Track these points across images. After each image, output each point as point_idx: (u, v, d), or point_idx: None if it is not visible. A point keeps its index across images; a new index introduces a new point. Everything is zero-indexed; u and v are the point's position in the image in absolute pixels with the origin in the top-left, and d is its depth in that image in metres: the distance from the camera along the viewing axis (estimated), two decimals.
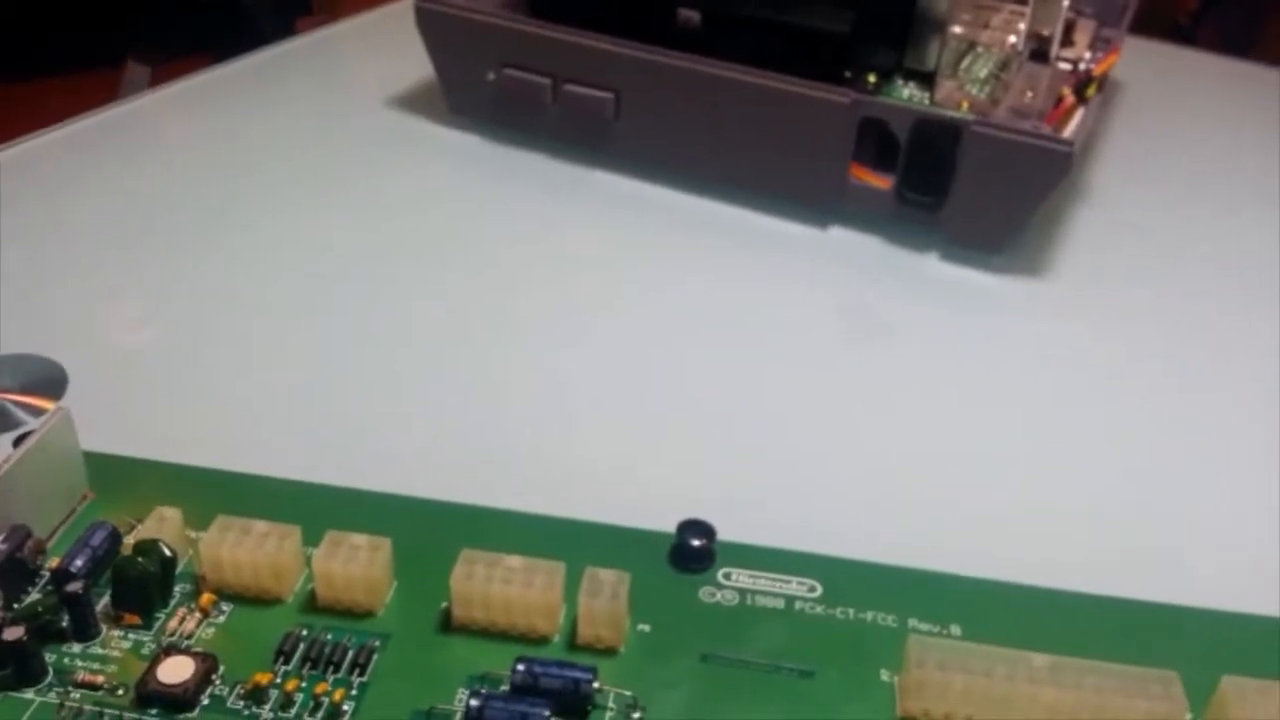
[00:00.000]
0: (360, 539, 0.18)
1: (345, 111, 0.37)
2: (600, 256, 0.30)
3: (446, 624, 0.18)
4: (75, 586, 0.17)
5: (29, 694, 0.17)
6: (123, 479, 0.20)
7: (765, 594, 0.19)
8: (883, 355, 0.27)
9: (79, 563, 0.18)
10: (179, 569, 0.18)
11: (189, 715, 0.16)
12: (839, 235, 0.32)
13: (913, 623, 0.18)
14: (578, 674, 0.17)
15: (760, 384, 0.26)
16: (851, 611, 0.19)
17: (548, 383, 0.25)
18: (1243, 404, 0.26)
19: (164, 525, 0.19)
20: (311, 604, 0.18)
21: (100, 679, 0.17)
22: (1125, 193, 0.35)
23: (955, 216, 0.30)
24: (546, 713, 0.16)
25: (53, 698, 0.17)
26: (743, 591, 0.19)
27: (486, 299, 0.28)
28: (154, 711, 0.16)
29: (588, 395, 0.25)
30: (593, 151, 0.34)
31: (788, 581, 0.19)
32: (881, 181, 0.31)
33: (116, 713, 0.16)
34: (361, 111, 0.37)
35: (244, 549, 0.18)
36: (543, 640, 0.18)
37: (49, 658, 0.17)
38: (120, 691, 0.17)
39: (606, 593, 0.18)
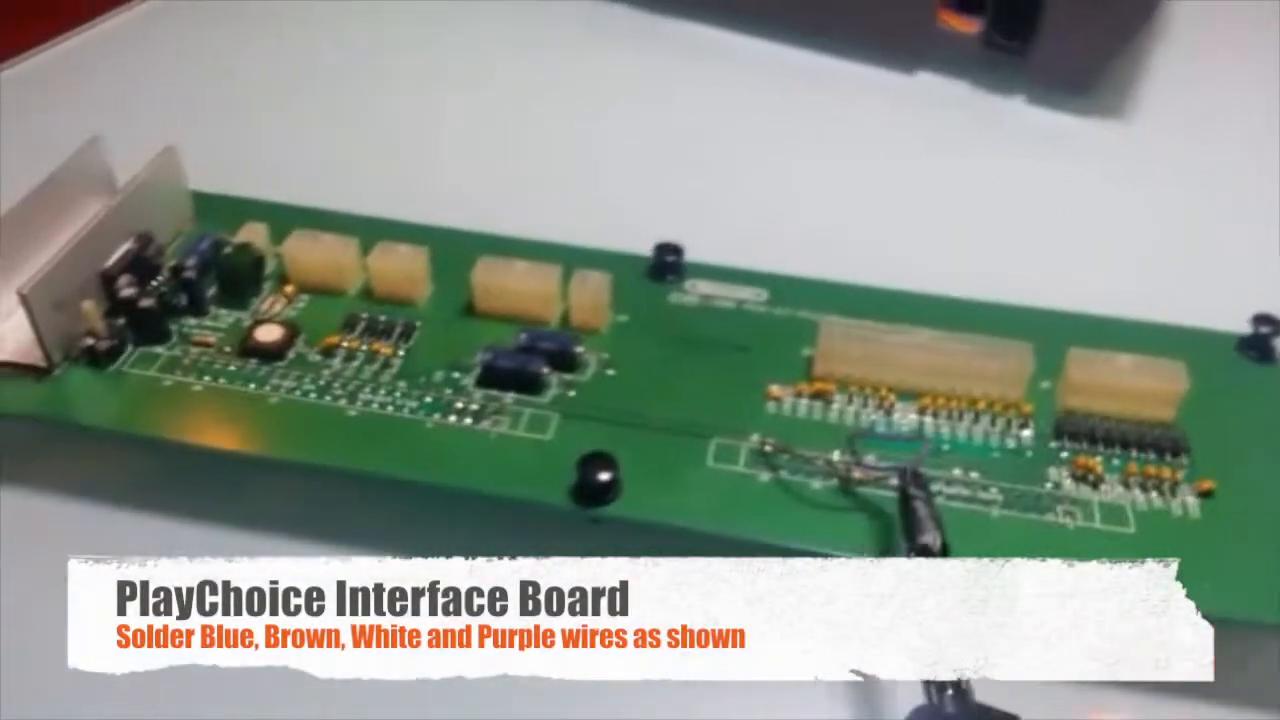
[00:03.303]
0: (404, 246, 0.23)
1: None
2: (684, 102, 0.33)
3: (470, 311, 0.23)
4: (191, 272, 0.23)
5: (159, 349, 0.22)
6: (219, 210, 0.25)
7: (722, 298, 0.24)
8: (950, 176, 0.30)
9: (192, 260, 0.23)
10: (266, 272, 0.24)
11: (279, 364, 0.22)
12: (926, 80, 0.34)
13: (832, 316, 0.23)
14: (567, 339, 0.22)
15: (828, 196, 0.30)
16: (790, 311, 0.24)
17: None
18: None
19: (253, 234, 0.24)
20: (368, 296, 0.24)
21: (211, 339, 0.22)
22: (1216, 33, 0.36)
23: (1042, 58, 0.32)
24: (543, 362, 0.21)
25: (177, 352, 0.22)
26: (704, 296, 0.24)
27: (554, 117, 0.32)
28: (253, 362, 0.22)
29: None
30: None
31: (740, 289, 0.24)
32: (969, 25, 0.33)
33: (225, 362, 0.22)
34: None
35: (315, 251, 0.23)
36: (543, 324, 0.23)
37: (172, 326, 0.23)
38: (227, 349, 0.22)
39: (592, 286, 0.23)
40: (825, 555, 0.18)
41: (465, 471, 0.20)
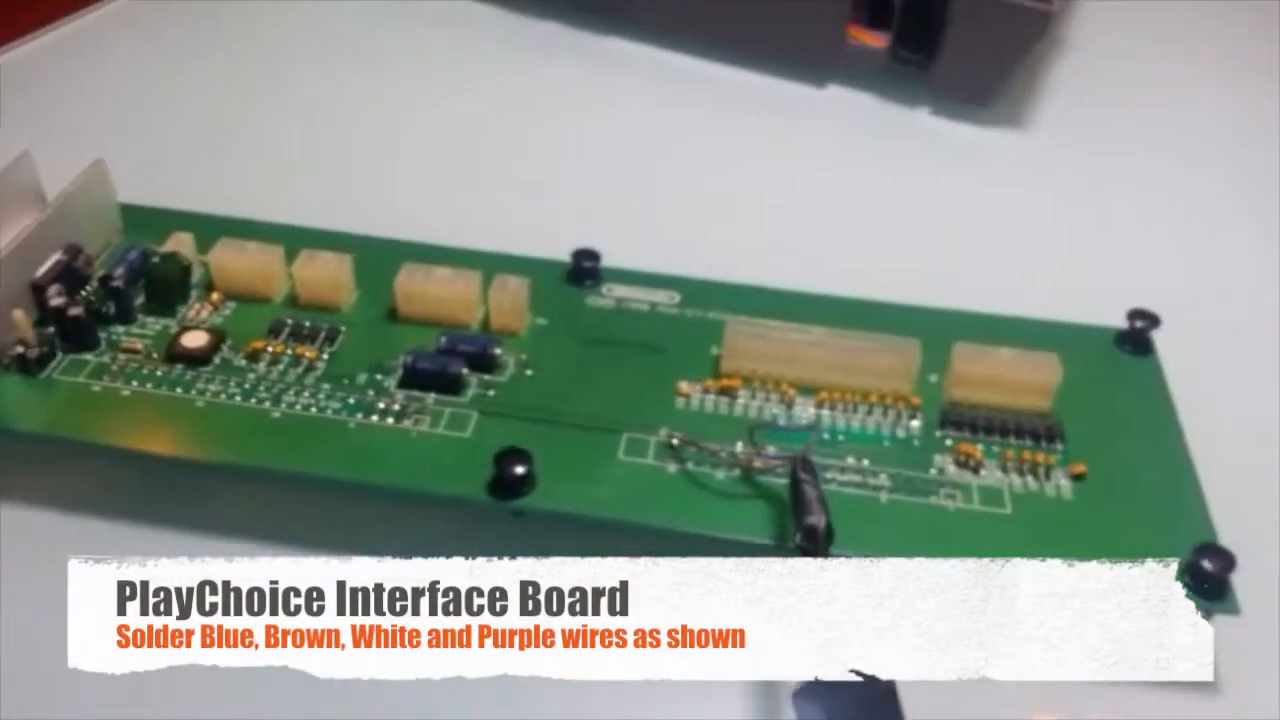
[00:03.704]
0: (328, 254, 0.24)
1: None
2: (603, 114, 0.34)
3: (394, 317, 0.24)
4: (118, 281, 0.23)
5: (88, 356, 0.23)
6: (147, 221, 0.26)
7: (636, 301, 0.25)
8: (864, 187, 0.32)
9: (120, 270, 0.24)
10: (194, 280, 0.25)
11: (205, 369, 0.23)
12: (835, 93, 0.36)
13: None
14: (485, 341, 0.23)
15: (739, 204, 0.31)
16: (701, 313, 0.25)
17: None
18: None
19: (180, 244, 0.25)
20: (294, 303, 0.24)
21: (139, 346, 0.23)
22: (1109, 45, 0.38)
23: (945, 72, 0.34)
24: (462, 363, 0.22)
25: (105, 359, 0.23)
26: (619, 299, 0.25)
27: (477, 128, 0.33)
28: (180, 367, 0.23)
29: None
30: (595, 11, 0.38)
31: (655, 292, 0.25)
32: (877, 40, 0.35)
33: (153, 368, 0.23)
34: None
35: (242, 259, 0.24)
36: (465, 328, 0.24)
37: (101, 334, 0.23)
38: (154, 355, 0.23)
39: (511, 290, 0.24)
40: (728, 540, 0.19)
41: (387, 469, 0.21)
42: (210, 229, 0.25)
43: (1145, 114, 0.36)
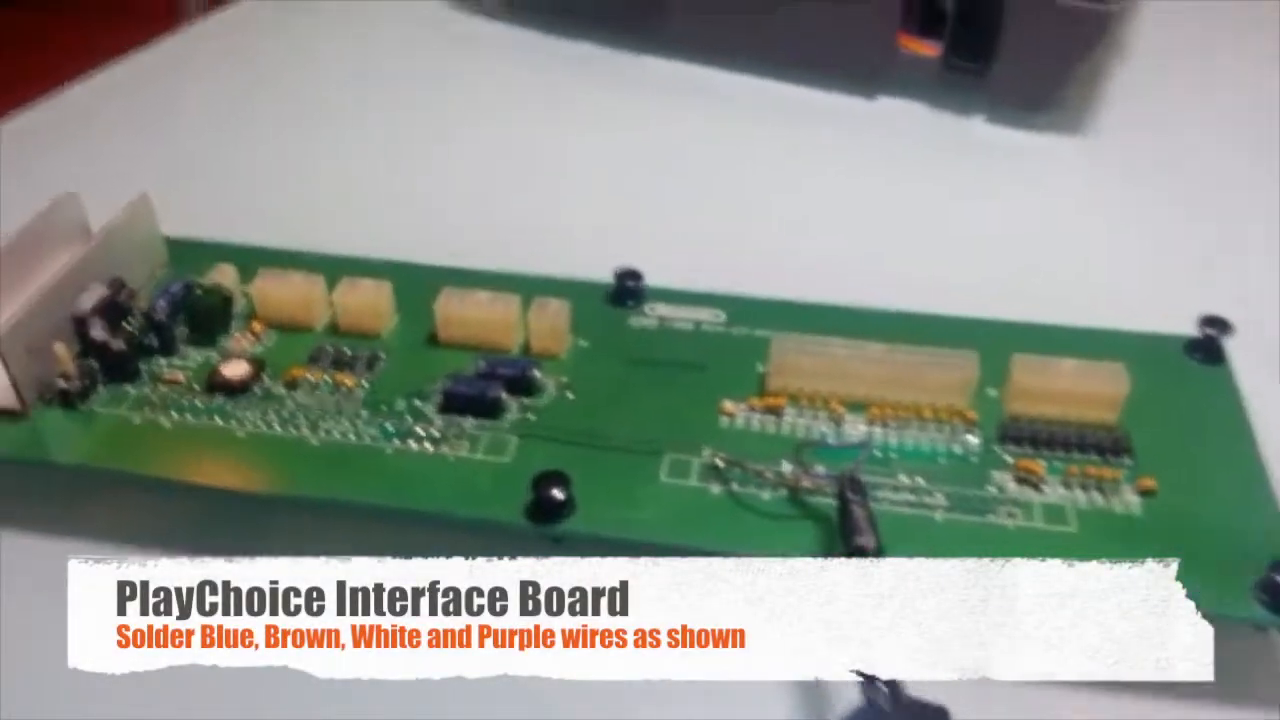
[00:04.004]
0: (368, 281, 0.24)
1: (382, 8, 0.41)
2: (647, 132, 0.34)
3: (433, 341, 0.24)
4: (161, 314, 0.23)
5: (129, 388, 0.23)
6: (192, 254, 0.26)
7: (681, 320, 0.25)
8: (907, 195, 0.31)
9: (162, 303, 0.24)
10: (235, 310, 0.25)
11: (245, 398, 0.22)
12: (887, 104, 0.35)
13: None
14: (524, 364, 0.23)
15: (790, 219, 0.30)
16: (747, 331, 0.24)
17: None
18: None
19: (223, 275, 0.25)
20: (334, 330, 0.24)
21: (180, 377, 0.23)
22: (1170, 49, 0.37)
23: (1001, 79, 0.33)
24: (501, 387, 0.22)
25: (146, 390, 0.23)
26: (663, 319, 0.25)
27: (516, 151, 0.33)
28: (220, 397, 0.23)
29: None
30: (636, 32, 0.37)
31: (699, 311, 0.25)
32: (929, 49, 0.34)
33: (192, 399, 0.23)
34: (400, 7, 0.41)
35: (284, 289, 0.24)
36: (504, 352, 0.24)
37: (143, 366, 0.23)
38: (195, 386, 0.23)
39: (550, 312, 0.23)
40: None
41: (425, 494, 0.20)
42: (253, 260, 0.25)
43: (1207, 119, 0.35)
